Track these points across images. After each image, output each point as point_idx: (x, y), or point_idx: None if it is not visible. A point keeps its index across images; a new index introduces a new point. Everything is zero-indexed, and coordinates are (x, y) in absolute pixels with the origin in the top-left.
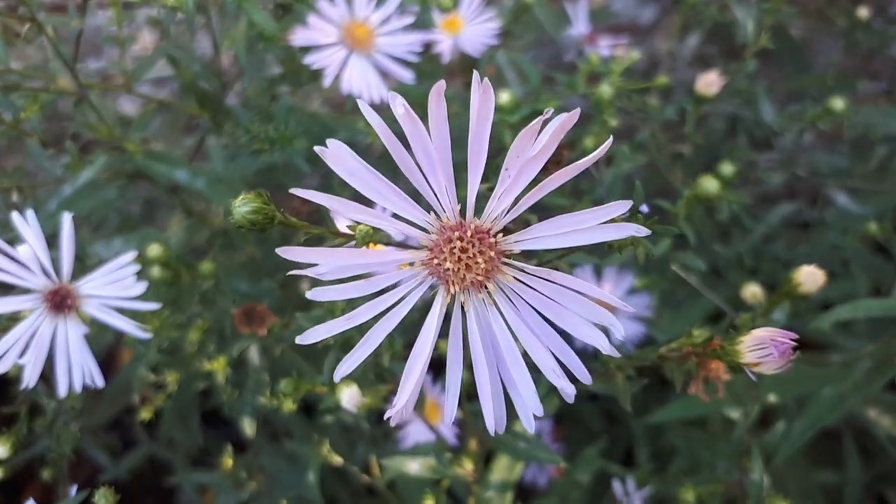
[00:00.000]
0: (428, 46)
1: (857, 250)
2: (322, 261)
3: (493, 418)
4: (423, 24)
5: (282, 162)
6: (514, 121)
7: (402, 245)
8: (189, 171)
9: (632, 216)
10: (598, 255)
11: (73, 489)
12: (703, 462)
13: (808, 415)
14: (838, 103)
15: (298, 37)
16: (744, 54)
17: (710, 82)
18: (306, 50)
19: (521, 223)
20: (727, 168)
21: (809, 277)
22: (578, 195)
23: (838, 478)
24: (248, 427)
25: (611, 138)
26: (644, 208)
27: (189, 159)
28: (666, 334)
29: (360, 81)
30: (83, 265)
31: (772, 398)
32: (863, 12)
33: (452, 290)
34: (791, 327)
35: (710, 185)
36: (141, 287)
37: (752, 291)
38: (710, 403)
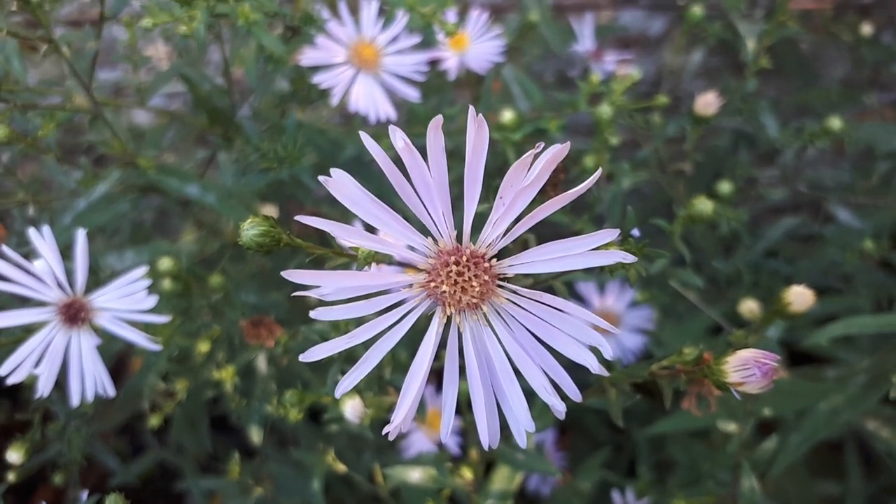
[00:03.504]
0: (435, 62)
1: (860, 265)
2: (324, 283)
3: (486, 434)
4: (428, 42)
5: (291, 177)
6: (516, 138)
7: (403, 264)
8: (200, 185)
9: (624, 240)
10: (595, 276)
11: (84, 494)
12: (702, 473)
13: (803, 428)
14: (836, 122)
15: (307, 57)
16: (746, 71)
17: (708, 102)
18: (315, 69)
19: (521, 243)
20: (725, 187)
21: (799, 297)
22: (579, 211)
23: (840, 489)
24: (256, 435)
25: (599, 171)
26: (636, 232)
27: (201, 173)
28: (667, 347)
29: (367, 100)
30: (96, 277)
31: (767, 412)
32: (866, 29)
33: (448, 312)
34: (789, 341)
35: (703, 206)
36: (152, 300)
37: (749, 307)
38: (709, 416)
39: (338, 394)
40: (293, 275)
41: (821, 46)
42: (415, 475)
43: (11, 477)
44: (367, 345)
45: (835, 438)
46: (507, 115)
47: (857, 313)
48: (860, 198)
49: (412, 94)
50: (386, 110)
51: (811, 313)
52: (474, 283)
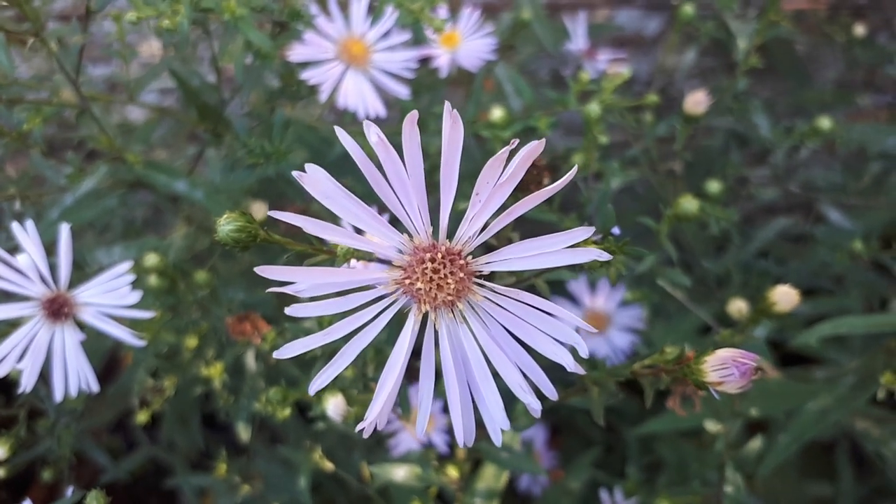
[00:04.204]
0: (427, 60)
1: (851, 266)
2: (298, 279)
3: (462, 431)
4: (419, 39)
5: (278, 174)
6: (506, 136)
7: (384, 261)
8: (188, 182)
9: (604, 238)
10: (581, 274)
11: (70, 490)
12: (691, 473)
13: (792, 428)
14: (825, 122)
15: (296, 53)
16: (739, 70)
17: (697, 101)
18: (304, 65)
19: (505, 241)
20: (714, 186)
21: (784, 297)
22: (569, 210)
23: (832, 490)
24: (244, 432)
25: (575, 168)
26: (616, 230)
27: (190, 169)
28: (656, 347)
29: (356, 97)
30: (83, 272)
31: (754, 412)
32: (859, 30)
33: (424, 309)
34: (780, 341)
35: (689, 205)
36: (136, 296)
37: (738, 307)
38: (697, 416)
39: (312, 390)
40: (266, 270)
41: (815, 47)
42: (400, 473)
43: (1, 472)
44: (345, 339)
45: (827, 439)
46: (497, 113)
47: (848, 314)
48: (852, 198)
49: (401, 91)
50: (375, 107)
51: (802, 314)
52: (450, 281)
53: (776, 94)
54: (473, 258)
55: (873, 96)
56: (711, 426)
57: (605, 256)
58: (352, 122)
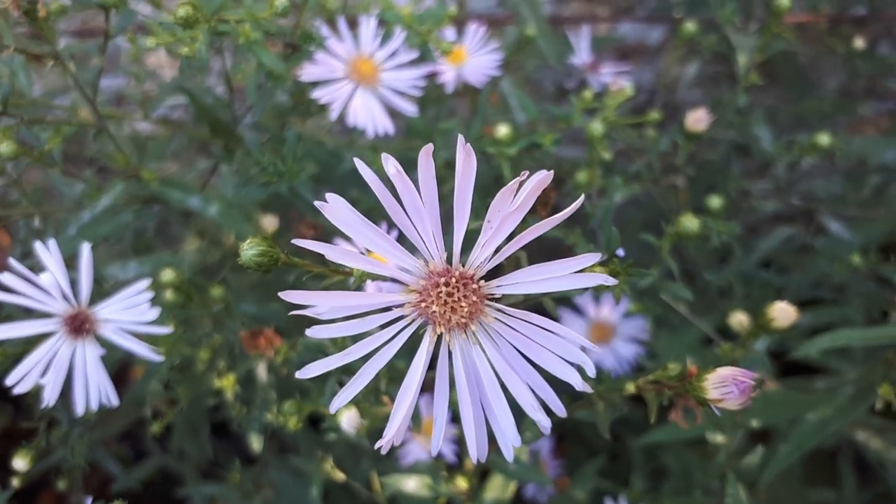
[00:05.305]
0: (433, 75)
1: (852, 277)
2: (318, 302)
3: (475, 447)
4: (426, 56)
5: (290, 190)
6: (511, 153)
7: (396, 281)
8: (202, 198)
9: (609, 259)
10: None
11: (88, 500)
12: (695, 482)
13: (792, 438)
14: (824, 138)
15: (307, 72)
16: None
17: (698, 119)
18: (315, 84)
19: (514, 261)
20: (715, 202)
21: (782, 313)
22: (574, 224)
23: (835, 497)
24: (256, 442)
25: (581, 199)
26: (621, 252)
27: (203, 183)
28: (661, 358)
29: (365, 115)
30: (99, 287)
31: (755, 423)
32: (859, 43)
33: (439, 331)
34: (783, 350)
35: (690, 224)
36: (155, 312)
37: (739, 319)
38: (699, 427)
39: (333, 409)
40: (289, 295)
41: (817, 58)
42: (410, 484)
43: (16, 483)
44: (363, 359)
45: (830, 447)
46: (503, 131)
47: (849, 324)
48: (852, 209)
49: (409, 109)
50: (384, 124)
51: (804, 324)
52: (463, 304)
53: (779, 103)
54: (485, 282)
55: (875, 104)
56: (714, 437)
57: (612, 282)
58: (362, 138)
